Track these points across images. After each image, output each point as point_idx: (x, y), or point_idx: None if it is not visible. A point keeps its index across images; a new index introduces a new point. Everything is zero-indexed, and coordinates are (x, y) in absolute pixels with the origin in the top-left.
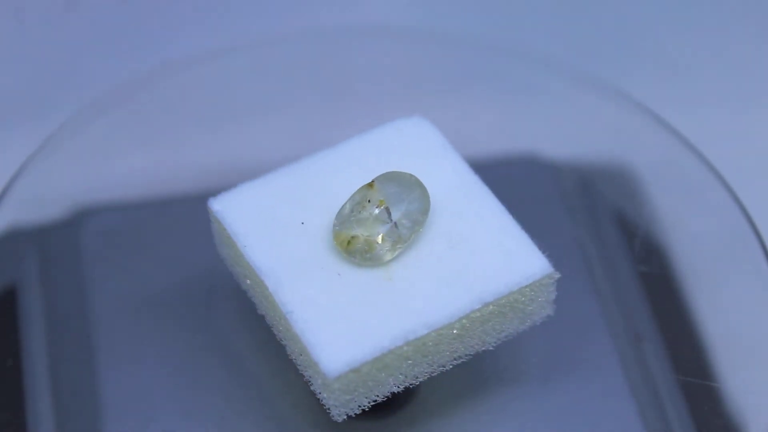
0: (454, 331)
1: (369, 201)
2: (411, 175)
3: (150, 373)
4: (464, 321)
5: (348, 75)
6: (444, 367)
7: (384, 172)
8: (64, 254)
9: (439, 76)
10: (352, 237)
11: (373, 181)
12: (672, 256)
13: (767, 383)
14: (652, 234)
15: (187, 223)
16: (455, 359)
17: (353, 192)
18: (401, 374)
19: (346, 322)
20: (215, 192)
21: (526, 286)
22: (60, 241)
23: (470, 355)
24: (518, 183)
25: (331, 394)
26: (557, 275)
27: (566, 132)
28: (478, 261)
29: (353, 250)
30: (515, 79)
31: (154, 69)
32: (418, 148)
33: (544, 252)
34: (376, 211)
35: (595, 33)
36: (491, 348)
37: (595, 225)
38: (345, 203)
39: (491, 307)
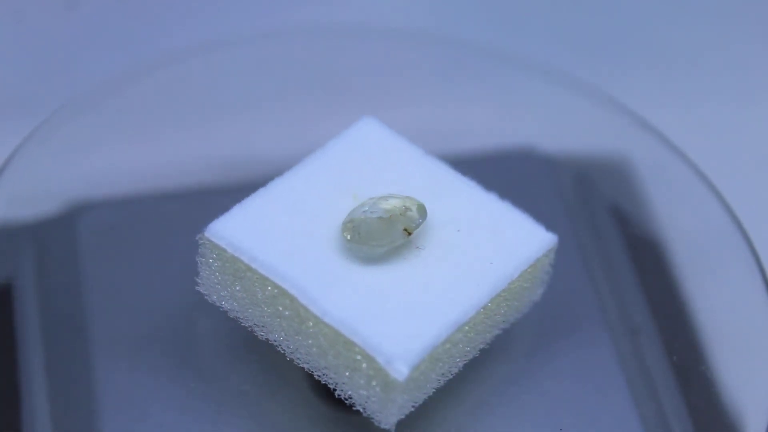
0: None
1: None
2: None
3: (146, 369)
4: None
5: (343, 72)
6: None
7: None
8: (60, 250)
9: (435, 73)
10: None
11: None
12: (667, 250)
13: (763, 374)
14: (648, 227)
15: (183, 217)
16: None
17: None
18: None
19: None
20: (211, 187)
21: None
22: (55, 236)
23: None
24: (514, 177)
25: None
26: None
27: (562, 127)
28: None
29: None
30: (511, 75)
31: (150, 62)
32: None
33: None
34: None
35: (591, 34)
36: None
37: (591, 219)
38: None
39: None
